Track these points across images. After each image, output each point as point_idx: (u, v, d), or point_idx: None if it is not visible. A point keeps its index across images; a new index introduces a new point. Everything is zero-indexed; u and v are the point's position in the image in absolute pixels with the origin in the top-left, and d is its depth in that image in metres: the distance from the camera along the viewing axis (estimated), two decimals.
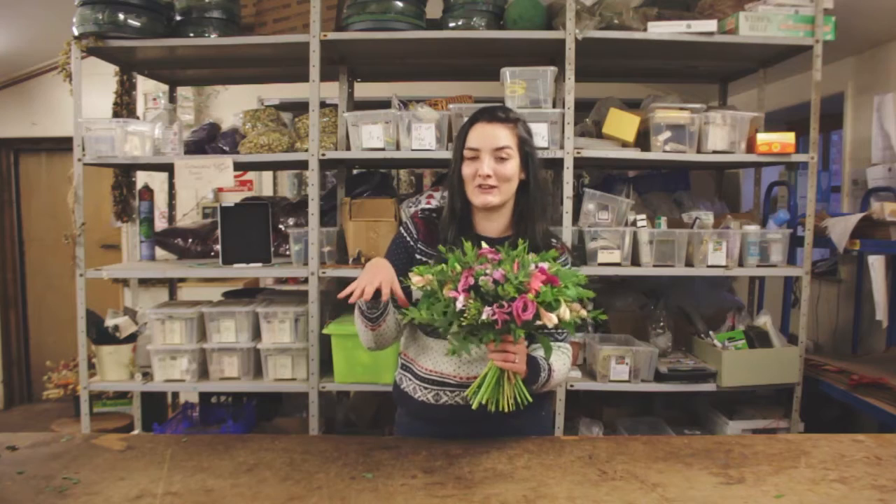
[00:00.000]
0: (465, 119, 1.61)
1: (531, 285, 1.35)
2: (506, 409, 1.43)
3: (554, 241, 1.70)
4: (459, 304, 1.35)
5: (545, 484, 1.36)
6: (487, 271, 1.37)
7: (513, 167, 1.60)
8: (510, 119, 1.63)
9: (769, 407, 2.79)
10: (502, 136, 1.60)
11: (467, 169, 1.61)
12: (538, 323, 1.36)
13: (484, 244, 1.50)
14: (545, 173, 1.76)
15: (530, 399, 1.46)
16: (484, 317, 1.34)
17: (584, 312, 1.41)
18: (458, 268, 1.40)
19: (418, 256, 1.67)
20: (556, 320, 1.36)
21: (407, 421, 1.72)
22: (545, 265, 1.40)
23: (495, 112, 1.64)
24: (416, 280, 1.44)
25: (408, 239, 1.70)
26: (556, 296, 1.36)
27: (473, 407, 1.43)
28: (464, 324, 1.36)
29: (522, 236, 1.62)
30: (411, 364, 1.69)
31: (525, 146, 1.63)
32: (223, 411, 3.16)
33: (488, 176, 1.57)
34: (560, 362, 1.63)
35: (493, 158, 1.59)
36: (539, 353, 1.55)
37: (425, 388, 1.65)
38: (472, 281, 1.36)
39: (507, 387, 1.43)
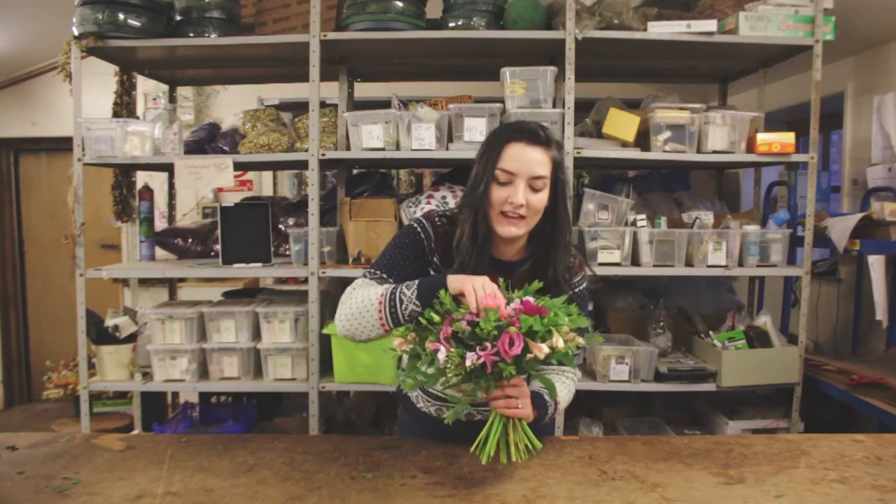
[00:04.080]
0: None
1: (511, 319, 1.27)
2: (519, 460, 1.34)
3: (571, 259, 1.57)
4: (442, 357, 1.26)
5: (545, 484, 1.35)
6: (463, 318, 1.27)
7: (545, 197, 1.46)
8: (549, 141, 1.48)
9: (769, 407, 2.79)
10: (541, 162, 1.45)
11: (498, 193, 1.44)
12: (530, 356, 1.26)
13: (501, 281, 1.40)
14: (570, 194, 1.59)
15: (538, 447, 1.38)
16: (468, 363, 1.24)
17: (580, 340, 1.33)
18: (437, 318, 1.31)
19: (431, 271, 1.55)
20: (547, 350, 1.26)
21: (409, 422, 1.71)
22: (530, 298, 1.32)
23: (536, 132, 1.47)
24: (397, 343, 1.38)
25: (424, 242, 1.54)
26: (546, 326, 1.27)
27: (483, 462, 1.32)
28: (451, 376, 1.27)
29: (539, 262, 1.52)
30: None
31: (558, 172, 1.48)
32: (223, 411, 3.15)
33: (521, 205, 1.43)
34: (566, 390, 1.54)
35: (528, 187, 1.44)
36: (537, 384, 1.47)
37: (428, 402, 1.62)
38: (451, 329, 1.28)
39: (513, 435, 1.35)
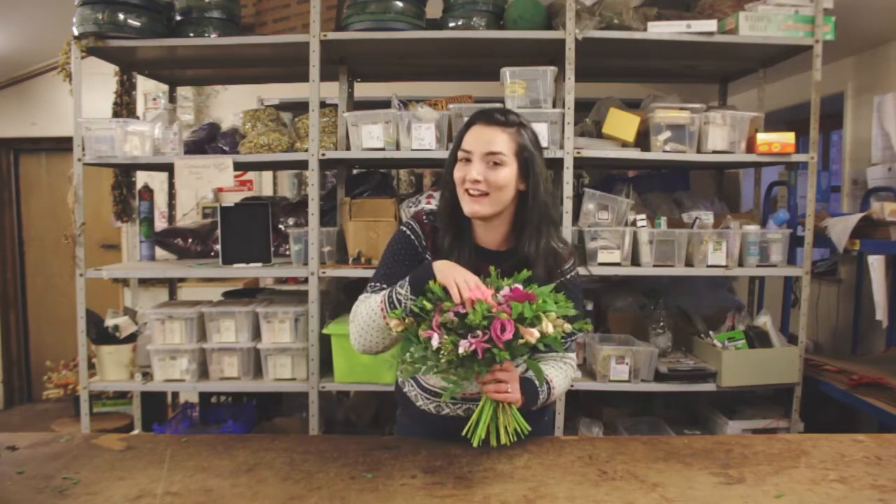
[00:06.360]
0: (465, 119, 1.54)
1: (501, 307, 1.32)
2: (507, 443, 1.40)
3: (562, 246, 1.59)
4: (435, 343, 1.31)
5: (545, 484, 1.35)
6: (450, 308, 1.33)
7: (506, 175, 1.48)
8: (509, 123, 1.51)
9: (769, 407, 2.79)
10: (497, 140, 1.48)
11: (458, 172, 1.51)
12: (521, 342, 1.32)
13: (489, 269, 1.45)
14: (549, 181, 1.63)
15: (527, 432, 1.42)
16: (461, 350, 1.29)
17: (567, 326, 1.37)
18: (429, 306, 1.36)
19: None
20: (538, 335, 1.31)
21: (408, 422, 1.71)
22: (519, 286, 1.36)
23: (493, 114, 1.52)
24: (393, 325, 1.41)
25: (415, 242, 1.58)
26: (535, 312, 1.32)
27: (474, 444, 1.39)
28: (442, 360, 1.31)
29: (522, 250, 1.53)
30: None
31: (524, 152, 1.50)
32: (223, 411, 3.16)
33: (477, 181, 1.46)
34: (562, 375, 1.57)
35: (485, 163, 1.47)
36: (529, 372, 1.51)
37: (427, 399, 1.62)
38: (441, 319, 1.34)
39: (503, 418, 1.40)
